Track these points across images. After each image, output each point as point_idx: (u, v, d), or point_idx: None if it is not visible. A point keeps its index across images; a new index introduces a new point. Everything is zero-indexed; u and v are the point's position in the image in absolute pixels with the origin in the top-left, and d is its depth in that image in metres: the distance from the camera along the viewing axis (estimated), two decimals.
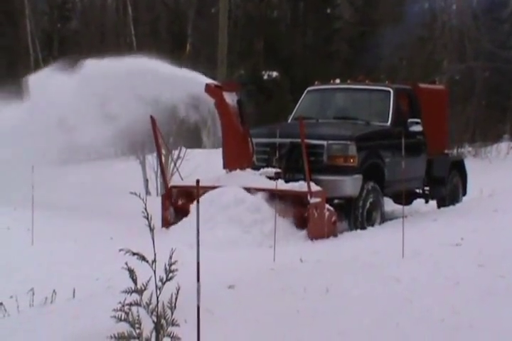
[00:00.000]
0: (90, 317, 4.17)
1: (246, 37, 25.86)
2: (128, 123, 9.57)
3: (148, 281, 3.06)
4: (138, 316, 3.02)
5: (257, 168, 9.26)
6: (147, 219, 3.15)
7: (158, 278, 3.05)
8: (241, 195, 8.46)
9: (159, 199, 9.50)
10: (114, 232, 8.57)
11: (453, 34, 28.32)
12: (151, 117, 9.06)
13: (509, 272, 5.35)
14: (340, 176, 9.14)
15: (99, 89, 9.55)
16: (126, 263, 3.05)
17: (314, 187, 8.52)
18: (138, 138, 12.00)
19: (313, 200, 8.35)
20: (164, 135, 11.36)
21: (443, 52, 27.59)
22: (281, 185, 8.44)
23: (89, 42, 27.06)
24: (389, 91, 10.54)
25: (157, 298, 3.04)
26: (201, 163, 11.75)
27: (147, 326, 3.05)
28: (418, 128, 10.42)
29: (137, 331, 3.02)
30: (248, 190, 8.53)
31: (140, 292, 3.04)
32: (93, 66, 9.63)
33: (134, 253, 3.08)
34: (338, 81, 11.37)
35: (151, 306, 3.04)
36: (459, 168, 12.07)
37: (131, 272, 3.06)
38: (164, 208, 9.07)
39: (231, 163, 9.23)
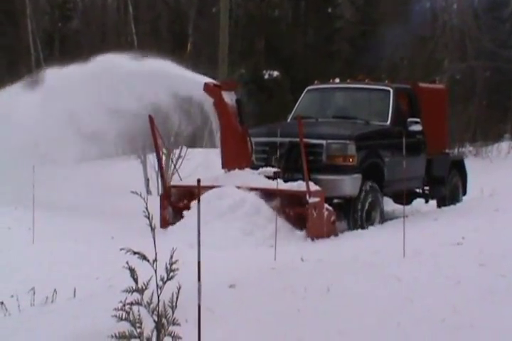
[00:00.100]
0: (91, 317, 4.17)
1: (247, 36, 25.85)
2: (128, 123, 9.58)
3: (149, 280, 3.06)
4: (139, 315, 3.02)
5: (256, 168, 9.25)
6: (148, 218, 3.15)
7: (159, 278, 3.05)
8: (240, 194, 8.45)
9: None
10: (115, 232, 8.57)
11: (454, 33, 28.31)
12: (150, 117, 9.05)
13: (510, 271, 5.35)
14: (340, 176, 9.12)
15: (99, 87, 9.55)
16: (127, 263, 3.05)
17: (313, 187, 8.50)
18: (139, 138, 12.01)
19: (311, 200, 8.33)
20: (165, 134, 11.36)
21: (444, 52, 27.58)
22: (279, 184, 8.44)
23: (90, 41, 27.06)
24: (388, 91, 10.52)
25: (158, 297, 3.04)
26: (202, 163, 11.75)
27: (148, 325, 3.05)
28: (418, 127, 10.40)
29: (138, 330, 3.02)
30: (247, 189, 8.52)
31: (141, 291, 3.04)
32: (93, 64, 9.63)
33: (134, 253, 3.08)
34: (337, 80, 11.36)
35: (152, 305, 3.04)
36: (459, 167, 12.06)
37: (132, 271, 3.06)
38: (163, 208, 9.04)
39: (229, 162, 9.21)
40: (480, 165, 18.61)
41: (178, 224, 8.60)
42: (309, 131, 9.13)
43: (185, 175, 10.41)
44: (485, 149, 21.81)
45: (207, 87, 9.07)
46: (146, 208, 3.16)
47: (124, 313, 3.00)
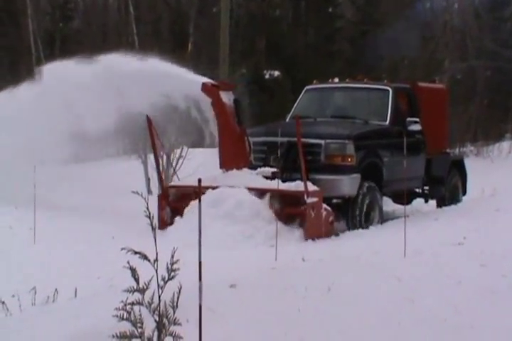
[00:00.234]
0: (92, 317, 4.17)
1: (248, 36, 25.85)
2: (129, 123, 9.58)
3: (150, 280, 3.06)
4: (140, 315, 3.02)
5: (254, 168, 9.23)
6: (149, 218, 3.15)
7: (159, 278, 3.06)
8: (238, 195, 8.42)
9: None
10: (116, 232, 8.57)
11: (455, 33, 28.29)
12: (147, 117, 9.04)
13: (511, 271, 5.35)
14: (338, 175, 9.11)
15: (98, 87, 9.55)
16: (128, 263, 3.05)
17: (311, 187, 8.47)
18: (139, 137, 12.01)
19: (309, 200, 8.31)
20: (166, 134, 11.35)
21: (445, 51, 27.56)
22: (277, 184, 8.43)
23: (91, 41, 27.07)
24: (387, 90, 10.50)
25: (159, 297, 3.04)
26: (202, 162, 11.75)
27: (149, 325, 3.05)
28: (417, 127, 10.37)
29: (139, 330, 3.02)
30: (245, 190, 8.50)
31: (142, 291, 3.04)
32: (94, 64, 9.63)
33: (135, 253, 3.08)
34: (336, 80, 11.34)
35: (153, 305, 3.04)
36: (458, 167, 12.04)
37: (133, 271, 3.06)
38: (161, 208, 9.01)
39: (227, 162, 9.19)
40: (481, 164, 18.60)
41: (176, 224, 8.58)
42: (308, 131, 9.12)
43: (186, 175, 10.42)
44: (486, 149, 21.81)
45: (205, 87, 9.06)
46: (147, 208, 3.16)
47: (125, 313, 3.00)
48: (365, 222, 9.31)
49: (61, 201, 10.75)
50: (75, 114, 9.84)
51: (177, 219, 8.70)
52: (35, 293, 5.02)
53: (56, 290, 5.04)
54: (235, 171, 9.00)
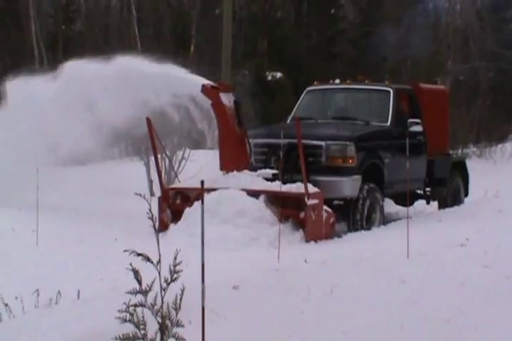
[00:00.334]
0: (95, 318, 4.17)
1: (250, 38, 25.87)
2: (130, 125, 9.58)
3: (152, 282, 3.06)
4: (143, 317, 3.02)
5: (255, 169, 9.22)
6: (152, 220, 3.15)
7: (162, 279, 3.05)
8: (239, 197, 8.40)
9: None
10: (119, 233, 8.57)
11: (457, 34, 28.29)
12: (147, 119, 9.02)
13: None
14: (339, 177, 9.09)
15: (100, 89, 9.56)
16: (131, 264, 3.05)
17: (312, 189, 8.45)
18: (142, 139, 12.01)
19: (310, 202, 8.29)
20: (168, 136, 11.34)
21: (447, 53, 27.56)
22: (278, 186, 8.42)
23: (93, 43, 27.10)
24: (388, 91, 10.49)
25: (162, 298, 3.04)
26: (204, 164, 11.74)
27: (152, 327, 3.05)
28: (418, 128, 10.34)
29: (142, 332, 3.02)
30: (246, 191, 8.48)
31: (145, 293, 3.04)
32: (85, 67, 9.65)
33: (138, 254, 3.08)
34: (337, 81, 11.32)
35: (155, 307, 3.04)
36: (460, 168, 12.01)
37: (135, 273, 3.06)
38: (161, 210, 8.98)
39: (228, 164, 9.16)
40: (484, 166, 18.58)
41: (177, 226, 8.56)
42: (309, 132, 9.11)
43: (188, 177, 10.40)
44: (489, 150, 21.79)
45: (205, 89, 9.04)
46: (150, 210, 3.16)
47: (128, 315, 3.00)
48: (367, 224, 9.29)
49: (64, 203, 10.76)
50: (78, 116, 9.85)
51: (178, 221, 8.68)
52: (38, 295, 5.02)
53: (59, 292, 5.04)
54: (235, 173, 8.98)
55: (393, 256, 6.21)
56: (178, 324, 3.07)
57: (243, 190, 8.50)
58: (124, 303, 3.02)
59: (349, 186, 9.14)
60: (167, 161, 12.92)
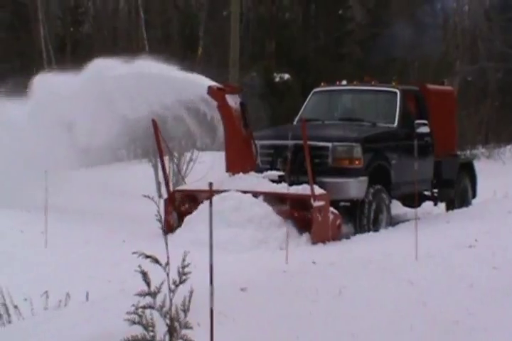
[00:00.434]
0: (104, 320, 4.18)
1: (258, 39, 25.85)
2: (137, 126, 9.60)
3: (161, 284, 3.07)
4: (151, 319, 3.02)
5: (261, 171, 9.19)
6: (160, 222, 3.16)
7: (171, 281, 3.06)
8: (245, 199, 8.38)
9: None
10: (127, 235, 8.59)
11: (465, 35, 28.22)
12: (153, 121, 9.02)
13: None
14: (346, 178, 9.06)
15: (109, 91, 9.58)
16: (140, 266, 3.06)
17: (318, 190, 8.42)
18: (150, 141, 12.02)
19: (316, 204, 8.26)
20: (175, 138, 11.33)
21: (455, 53, 27.49)
22: (284, 188, 8.40)
23: (101, 45, 27.16)
24: (395, 93, 10.45)
25: (170, 300, 3.04)
26: (211, 166, 11.73)
27: (160, 329, 3.05)
28: (425, 129, 10.29)
29: (151, 334, 3.02)
30: (252, 193, 8.46)
31: (153, 295, 3.05)
32: (101, 67, 9.67)
33: (147, 256, 3.09)
34: (344, 82, 11.30)
35: (164, 309, 3.05)
36: (468, 169, 11.95)
37: (144, 275, 3.07)
38: (167, 212, 8.96)
39: (234, 166, 9.15)
40: (492, 167, 18.53)
41: (184, 228, 8.53)
42: (315, 134, 9.09)
43: (196, 178, 10.40)
44: (497, 151, 21.72)
45: (210, 90, 9.03)
46: (158, 212, 3.17)
47: (136, 317, 3.00)
48: (373, 225, 9.27)
49: (72, 205, 10.79)
50: (86, 118, 9.88)
51: (184, 223, 8.66)
52: (48, 296, 5.03)
53: (68, 293, 5.05)
54: (241, 175, 8.96)
55: (402, 257, 6.20)
56: (186, 326, 3.07)
57: (249, 192, 8.48)
58: (133, 305, 3.03)
59: (356, 187, 9.12)
60: (174, 163, 12.92)
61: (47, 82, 10.21)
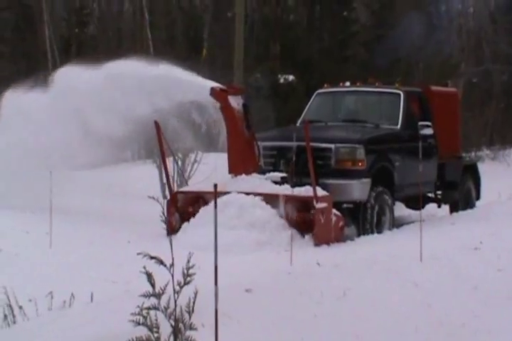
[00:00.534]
0: (108, 321, 4.18)
1: (262, 41, 25.85)
2: (142, 127, 9.60)
3: (166, 285, 3.07)
4: (156, 320, 3.02)
5: (264, 172, 9.17)
6: (165, 223, 3.16)
7: (175, 282, 3.06)
8: (249, 201, 8.35)
9: None
10: (131, 236, 8.60)
11: (470, 37, 28.18)
12: (155, 122, 9.02)
13: None
14: (348, 180, 9.04)
15: (112, 92, 9.58)
16: (144, 267, 3.06)
17: (320, 192, 8.40)
18: (154, 142, 12.03)
19: (319, 205, 8.24)
20: (181, 138, 11.33)
21: (460, 55, 27.46)
22: (286, 190, 8.38)
23: (106, 47, 27.22)
24: (399, 94, 10.43)
25: (175, 301, 3.04)
26: (215, 167, 11.74)
27: (165, 330, 3.05)
28: (429, 131, 10.25)
29: (155, 335, 3.02)
30: (254, 195, 8.43)
31: (158, 296, 3.05)
32: (107, 69, 9.68)
33: (151, 257, 3.09)
34: (347, 83, 11.27)
35: (169, 310, 3.05)
36: (472, 171, 11.92)
37: (149, 276, 3.07)
38: (169, 214, 8.87)
39: (236, 167, 9.13)
40: (497, 169, 18.50)
41: (186, 229, 8.48)
42: (318, 135, 9.07)
43: (200, 180, 10.41)
44: (502, 153, 21.68)
45: (213, 92, 9.01)
46: (163, 213, 3.17)
47: (141, 318, 3.00)
48: (376, 227, 9.24)
49: (77, 205, 10.80)
50: (91, 118, 9.88)
51: (187, 224, 8.63)
52: (52, 297, 5.04)
53: (72, 294, 5.06)
54: (243, 176, 8.93)
55: (406, 259, 6.19)
56: (191, 327, 3.07)
57: (251, 193, 8.45)
58: (138, 306, 3.03)
59: (358, 189, 9.09)
60: (180, 164, 12.93)
61: (68, 76, 10.15)
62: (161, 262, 3.05)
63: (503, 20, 27.36)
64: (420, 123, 10.27)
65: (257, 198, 8.41)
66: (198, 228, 8.21)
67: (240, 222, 8.15)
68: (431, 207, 11.56)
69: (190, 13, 28.96)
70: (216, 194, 3.66)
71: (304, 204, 8.37)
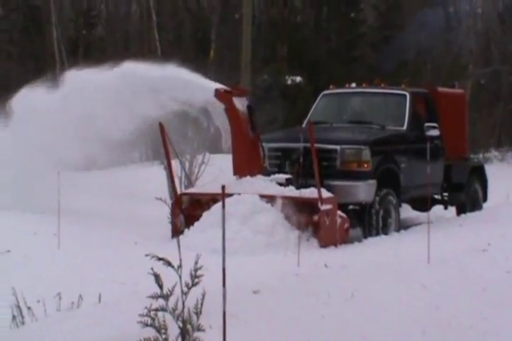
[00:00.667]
0: (117, 322, 4.19)
1: (269, 42, 25.86)
2: (150, 129, 9.62)
3: (173, 286, 3.07)
4: (164, 321, 3.03)
5: (269, 174, 9.14)
6: (172, 224, 3.17)
7: (183, 284, 3.07)
8: (254, 202, 8.33)
9: None
10: (138, 237, 8.61)
11: (478, 38, 28.11)
12: (160, 124, 9.02)
13: None
14: (354, 181, 9.01)
15: (119, 93, 9.60)
16: (152, 269, 3.07)
17: (325, 194, 8.38)
18: (161, 143, 12.04)
19: (324, 207, 8.22)
20: (186, 140, 11.35)
21: (468, 56, 27.39)
22: (291, 191, 8.35)
23: (114, 48, 27.29)
24: (405, 95, 10.39)
25: (183, 303, 3.05)
26: (221, 169, 11.74)
27: (173, 331, 3.06)
28: (435, 132, 10.19)
29: (163, 336, 3.03)
30: (261, 197, 8.40)
31: (166, 297, 3.05)
32: (114, 71, 9.71)
33: (159, 259, 3.10)
34: (353, 85, 11.24)
35: (176, 311, 3.05)
36: (478, 173, 11.86)
37: (157, 277, 3.08)
38: (174, 216, 8.82)
39: (241, 169, 9.11)
40: (505, 170, 18.43)
41: (193, 231, 8.46)
42: (323, 136, 9.06)
43: (207, 181, 10.41)
44: (510, 154, 21.61)
45: (218, 93, 9.00)
46: (171, 214, 3.18)
47: (149, 319, 3.01)
48: (382, 229, 9.22)
49: (84, 207, 10.82)
50: (98, 119, 9.91)
51: (193, 226, 8.61)
52: (60, 298, 5.05)
53: (80, 295, 5.07)
54: (248, 178, 8.90)
55: (414, 261, 6.18)
56: (199, 328, 3.08)
57: (257, 195, 8.41)
58: (146, 307, 3.04)
59: (364, 191, 9.06)
60: (187, 165, 12.94)
61: (80, 77, 10.18)
62: (169, 263, 3.05)
63: None
64: (426, 124, 10.23)
65: (263, 200, 8.40)
66: (204, 230, 8.20)
67: (247, 224, 8.13)
68: (438, 209, 11.52)
69: (198, 15, 28.99)
70: (224, 195, 3.67)
71: (309, 206, 8.35)
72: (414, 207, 11.04)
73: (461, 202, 11.43)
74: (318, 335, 4.10)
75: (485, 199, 11.92)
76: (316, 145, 8.45)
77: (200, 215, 8.52)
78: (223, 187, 3.60)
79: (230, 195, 8.34)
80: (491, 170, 12.45)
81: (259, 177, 8.97)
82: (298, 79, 23.37)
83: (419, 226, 9.55)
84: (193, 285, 3.07)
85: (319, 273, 6.05)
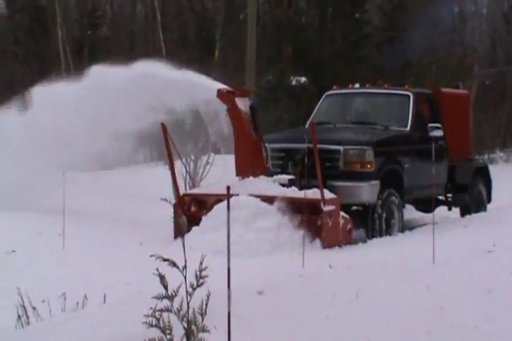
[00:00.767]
0: (121, 323, 4.19)
1: (274, 42, 25.87)
2: (155, 129, 9.62)
3: (178, 287, 3.08)
4: (169, 322, 3.04)
5: (272, 174, 9.13)
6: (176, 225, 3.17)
7: (188, 284, 3.07)
8: (256, 205, 8.32)
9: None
10: (143, 238, 8.62)
11: (483, 38, 28.04)
12: (162, 125, 9.01)
13: None
14: (357, 182, 9.00)
15: (123, 94, 9.61)
16: (157, 270, 3.07)
17: (328, 195, 8.36)
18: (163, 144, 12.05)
19: (326, 208, 8.20)
20: (191, 141, 11.36)
21: (474, 57, 27.33)
22: (294, 192, 8.34)
23: (119, 49, 27.34)
24: (408, 96, 10.37)
25: (188, 303, 3.05)
26: (225, 169, 11.75)
27: (178, 332, 3.06)
28: (439, 133, 10.16)
29: (168, 337, 3.04)
30: (263, 198, 8.40)
31: (171, 298, 3.06)
32: (122, 71, 9.71)
33: (164, 259, 3.10)
34: (357, 85, 11.23)
35: (181, 312, 3.06)
36: (483, 174, 11.82)
37: (161, 278, 3.08)
38: (176, 216, 8.77)
39: (244, 170, 9.10)
40: (510, 171, 18.38)
41: (197, 232, 8.43)
42: (327, 137, 9.04)
43: (211, 182, 10.42)
44: None
45: (220, 94, 8.98)
46: (173, 215, 3.18)
47: (154, 320, 3.02)
48: (386, 230, 9.20)
49: (89, 207, 10.85)
50: (104, 120, 9.92)
51: (197, 227, 8.61)
52: (65, 298, 5.06)
53: (85, 296, 5.08)
54: (251, 179, 8.88)
55: (419, 261, 6.17)
56: (203, 329, 3.08)
57: (259, 196, 8.39)
58: (151, 308, 3.04)
59: (367, 191, 9.04)
60: (191, 166, 12.96)
61: (100, 74, 10.16)
62: (174, 264, 3.06)
63: None
64: (430, 125, 10.21)
65: (266, 202, 8.38)
66: (208, 231, 8.19)
67: (250, 228, 8.10)
68: (442, 210, 11.50)
69: (203, 15, 29.02)
70: (229, 196, 3.67)
71: (312, 207, 8.33)
72: (418, 208, 11.02)
73: (465, 203, 11.40)
74: (323, 336, 4.09)
75: (489, 200, 11.89)
76: (319, 145, 8.44)
77: (202, 216, 8.52)
78: (228, 188, 3.60)
79: (233, 195, 8.33)
80: (496, 171, 12.42)
81: (262, 177, 8.96)
82: (303, 79, 23.37)
83: (423, 227, 9.54)
84: (198, 285, 3.07)
85: (324, 274, 6.05)
